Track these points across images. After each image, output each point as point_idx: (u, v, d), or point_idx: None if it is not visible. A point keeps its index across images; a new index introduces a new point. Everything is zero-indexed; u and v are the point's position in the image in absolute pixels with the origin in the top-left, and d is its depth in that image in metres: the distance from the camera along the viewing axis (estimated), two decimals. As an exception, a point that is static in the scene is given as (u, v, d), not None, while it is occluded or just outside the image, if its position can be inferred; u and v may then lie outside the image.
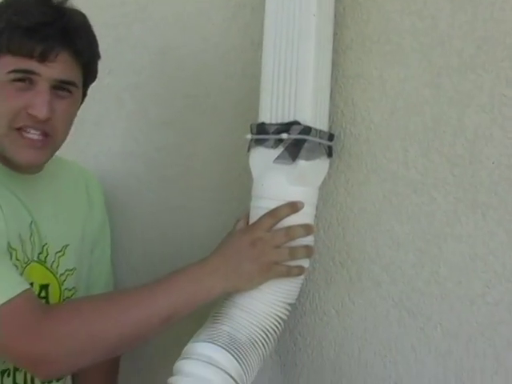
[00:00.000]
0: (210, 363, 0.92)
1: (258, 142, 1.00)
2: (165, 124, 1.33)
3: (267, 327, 0.97)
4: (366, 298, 1.03)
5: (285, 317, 1.00)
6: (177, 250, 1.30)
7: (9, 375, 1.08)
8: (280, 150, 0.97)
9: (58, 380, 1.16)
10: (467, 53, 0.92)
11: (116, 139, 1.42)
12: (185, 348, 0.96)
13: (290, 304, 1.00)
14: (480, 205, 0.91)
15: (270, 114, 0.98)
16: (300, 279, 1.00)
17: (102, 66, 1.13)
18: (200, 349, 0.94)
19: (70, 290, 1.17)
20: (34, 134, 1.02)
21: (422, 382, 0.98)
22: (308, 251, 0.99)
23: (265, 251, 0.96)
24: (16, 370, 1.08)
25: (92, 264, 1.26)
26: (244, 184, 1.09)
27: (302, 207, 0.96)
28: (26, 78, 1.00)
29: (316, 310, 1.10)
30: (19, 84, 1.00)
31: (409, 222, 0.98)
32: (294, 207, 0.96)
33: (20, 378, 1.09)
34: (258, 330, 0.96)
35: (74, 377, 1.28)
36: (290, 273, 0.97)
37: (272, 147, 0.98)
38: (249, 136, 1.01)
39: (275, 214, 0.96)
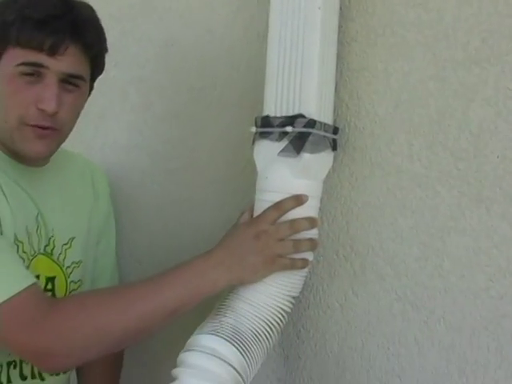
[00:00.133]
0: (214, 355, 0.92)
1: (263, 135, 0.99)
2: (170, 117, 1.33)
3: (271, 320, 0.97)
4: (370, 292, 1.03)
5: (288, 310, 1.00)
6: (181, 242, 1.30)
7: (15, 367, 1.08)
8: (284, 142, 0.97)
9: (64, 372, 1.17)
10: (472, 46, 0.92)
11: (121, 132, 1.42)
12: (189, 340, 0.96)
13: (293, 297, 1.00)
14: (484, 199, 0.91)
15: (274, 107, 0.98)
16: (304, 272, 1.00)
17: (107, 58, 1.12)
18: (204, 341, 0.94)
19: (76, 283, 1.17)
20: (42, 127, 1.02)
21: (425, 375, 0.98)
22: (312, 244, 0.99)
23: (269, 244, 0.96)
24: (22, 362, 1.09)
25: (97, 256, 1.26)
26: (248, 177, 1.09)
27: (307, 200, 0.96)
28: (34, 72, 1.00)
29: (320, 303, 1.10)
30: (28, 78, 1.00)
31: (413, 215, 0.98)
32: (298, 200, 0.96)
33: (27, 370, 1.10)
34: (261, 322, 0.97)
35: (79, 369, 1.29)
36: (294, 265, 0.97)
37: (277, 140, 0.98)
38: (253, 129, 1.01)
39: (280, 207, 0.96)
